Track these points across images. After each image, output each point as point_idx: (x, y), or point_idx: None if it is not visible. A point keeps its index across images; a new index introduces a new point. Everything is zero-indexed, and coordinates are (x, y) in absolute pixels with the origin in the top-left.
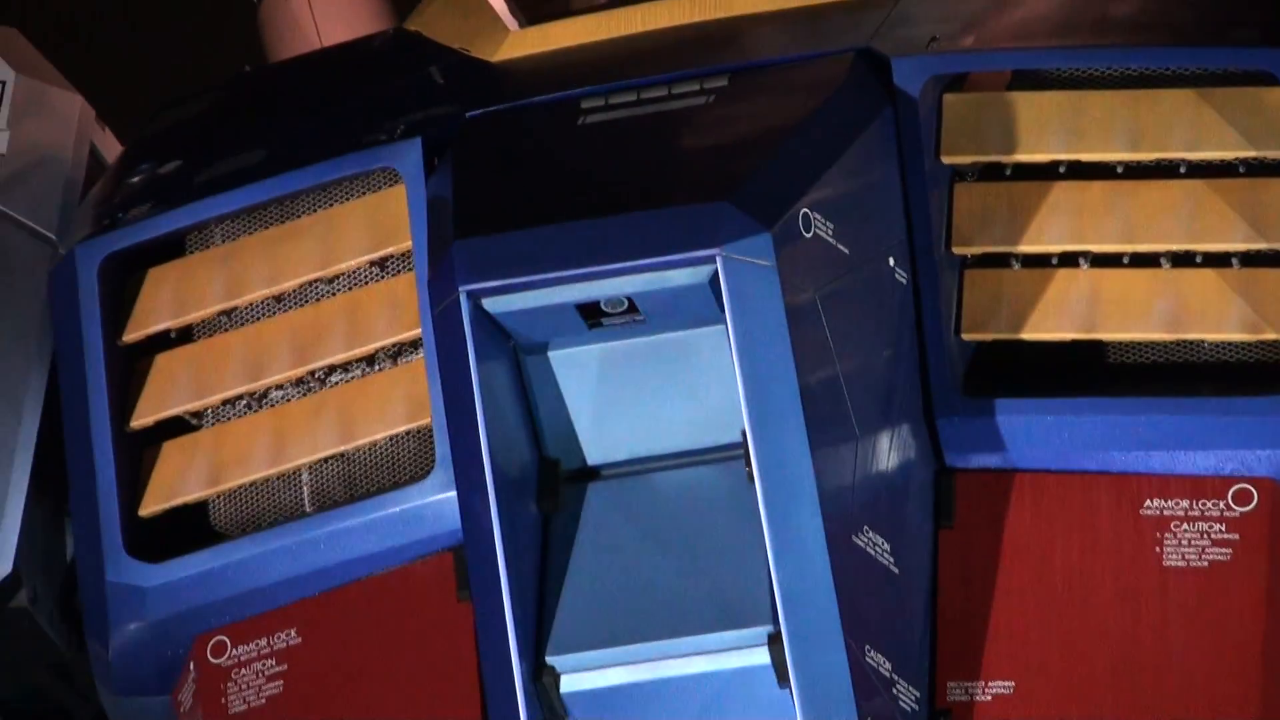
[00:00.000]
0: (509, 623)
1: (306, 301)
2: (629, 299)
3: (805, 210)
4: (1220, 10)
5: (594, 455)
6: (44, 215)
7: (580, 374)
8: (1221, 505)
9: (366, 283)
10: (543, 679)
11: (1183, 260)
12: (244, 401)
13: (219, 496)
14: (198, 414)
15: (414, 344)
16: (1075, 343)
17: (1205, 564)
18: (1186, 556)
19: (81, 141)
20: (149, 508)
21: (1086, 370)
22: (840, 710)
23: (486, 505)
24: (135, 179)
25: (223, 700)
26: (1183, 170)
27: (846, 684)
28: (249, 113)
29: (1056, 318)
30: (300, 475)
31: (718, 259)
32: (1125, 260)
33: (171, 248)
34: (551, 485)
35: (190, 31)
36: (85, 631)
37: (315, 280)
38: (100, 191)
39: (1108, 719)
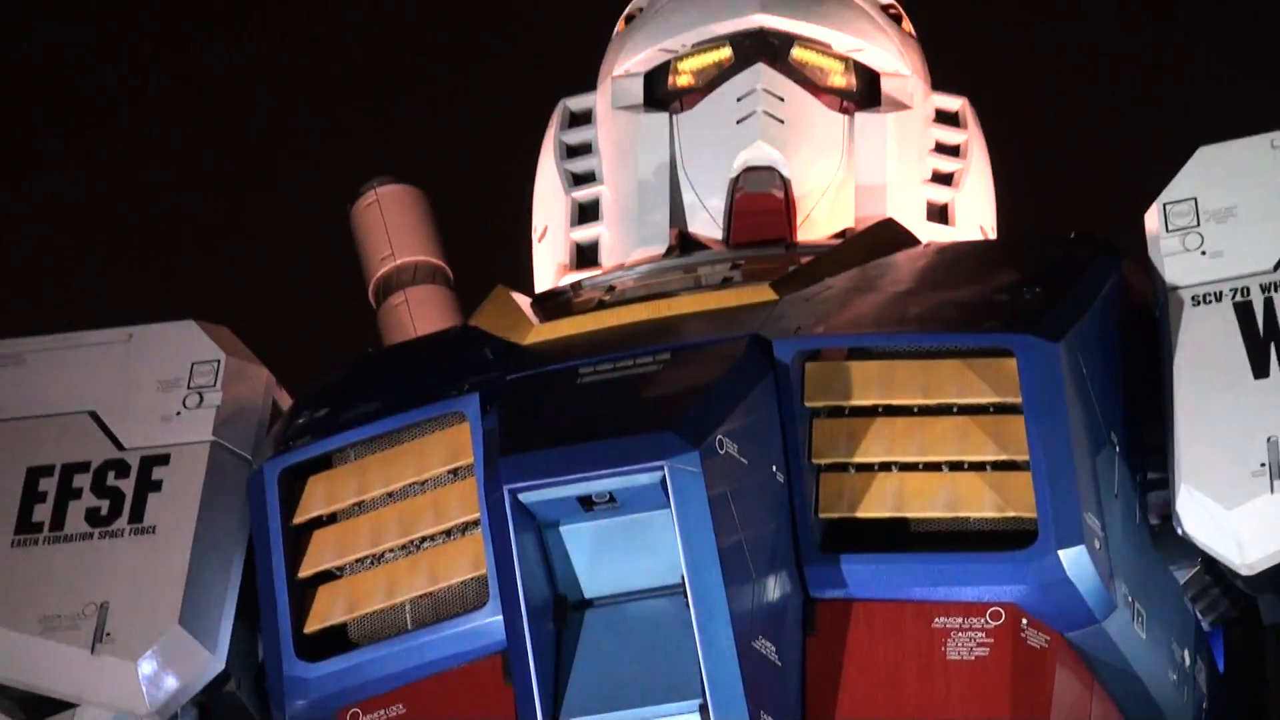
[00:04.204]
0: (536, 699)
1: (408, 495)
2: (610, 493)
3: (720, 437)
4: (976, 310)
5: (589, 592)
6: (244, 443)
7: (579, 541)
8: (983, 620)
9: (446, 484)
10: None
11: (956, 466)
12: (369, 560)
13: (354, 620)
14: (340, 568)
15: (475, 522)
16: (891, 518)
17: (973, 658)
18: (961, 653)
19: (266, 397)
20: (310, 627)
21: (898, 535)
22: None
23: (521, 625)
24: (300, 420)
25: None
26: (955, 410)
27: None
28: (371, 377)
29: (878, 502)
30: (404, 606)
31: (665, 468)
32: (920, 467)
33: (322, 463)
34: (562, 612)
35: (334, 330)
36: (270, 705)
37: (413, 482)
38: (278, 428)
39: None
